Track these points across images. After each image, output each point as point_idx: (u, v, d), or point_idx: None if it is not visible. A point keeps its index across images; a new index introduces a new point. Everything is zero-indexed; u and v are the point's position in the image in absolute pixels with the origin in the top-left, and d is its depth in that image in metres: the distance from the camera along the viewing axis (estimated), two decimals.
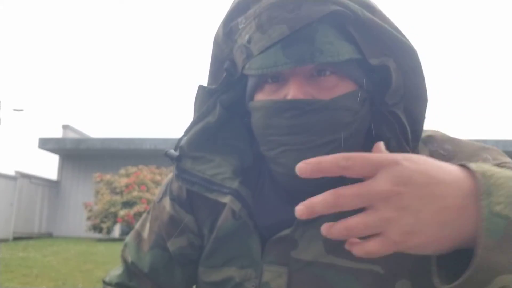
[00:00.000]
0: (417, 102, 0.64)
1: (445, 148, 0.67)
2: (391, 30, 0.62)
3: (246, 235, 0.67)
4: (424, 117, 0.65)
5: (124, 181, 10.34)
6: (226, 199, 0.65)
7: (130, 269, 0.80)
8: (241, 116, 0.70)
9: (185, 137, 0.70)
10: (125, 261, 0.82)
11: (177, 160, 0.68)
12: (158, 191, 0.82)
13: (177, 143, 0.70)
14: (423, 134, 0.68)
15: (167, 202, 0.77)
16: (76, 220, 12.33)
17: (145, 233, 0.80)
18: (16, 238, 10.85)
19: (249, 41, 0.62)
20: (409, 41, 0.63)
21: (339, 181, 0.62)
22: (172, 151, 0.69)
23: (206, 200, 0.70)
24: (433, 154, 0.65)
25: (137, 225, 0.84)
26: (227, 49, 0.68)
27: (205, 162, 0.68)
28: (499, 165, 0.59)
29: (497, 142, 11.30)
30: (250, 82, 0.66)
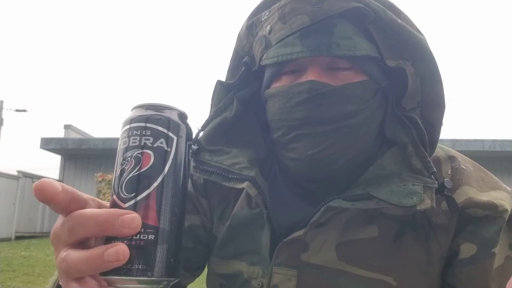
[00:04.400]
0: (434, 108, 0.64)
1: (466, 166, 0.67)
2: (413, 31, 0.62)
3: (259, 227, 0.68)
4: (441, 124, 0.65)
5: None
6: (243, 185, 0.65)
7: None
8: (255, 112, 0.72)
9: (202, 132, 0.71)
10: None
11: (195, 153, 0.69)
12: None
13: (195, 138, 0.70)
14: (447, 153, 0.69)
15: None
16: None
17: None
18: (18, 237, 10.95)
19: (269, 32, 0.63)
20: (429, 47, 0.63)
21: (348, 173, 0.64)
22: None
23: (219, 188, 0.71)
24: (454, 170, 0.66)
25: None
26: (248, 44, 0.69)
27: (222, 154, 0.69)
28: None
29: (494, 142, 11.26)
30: (267, 73, 0.67)
